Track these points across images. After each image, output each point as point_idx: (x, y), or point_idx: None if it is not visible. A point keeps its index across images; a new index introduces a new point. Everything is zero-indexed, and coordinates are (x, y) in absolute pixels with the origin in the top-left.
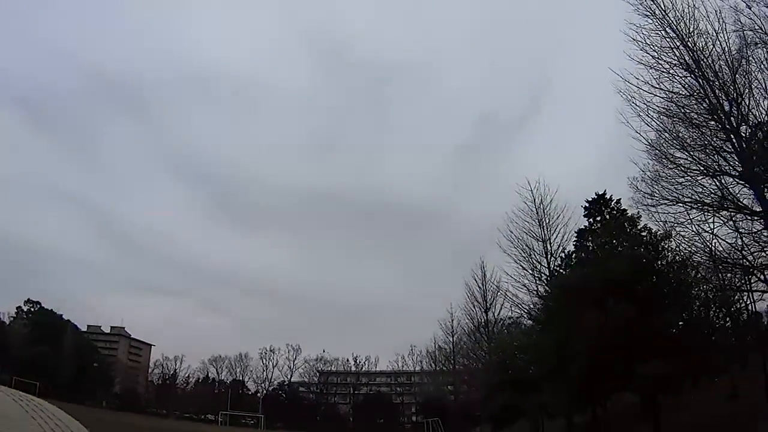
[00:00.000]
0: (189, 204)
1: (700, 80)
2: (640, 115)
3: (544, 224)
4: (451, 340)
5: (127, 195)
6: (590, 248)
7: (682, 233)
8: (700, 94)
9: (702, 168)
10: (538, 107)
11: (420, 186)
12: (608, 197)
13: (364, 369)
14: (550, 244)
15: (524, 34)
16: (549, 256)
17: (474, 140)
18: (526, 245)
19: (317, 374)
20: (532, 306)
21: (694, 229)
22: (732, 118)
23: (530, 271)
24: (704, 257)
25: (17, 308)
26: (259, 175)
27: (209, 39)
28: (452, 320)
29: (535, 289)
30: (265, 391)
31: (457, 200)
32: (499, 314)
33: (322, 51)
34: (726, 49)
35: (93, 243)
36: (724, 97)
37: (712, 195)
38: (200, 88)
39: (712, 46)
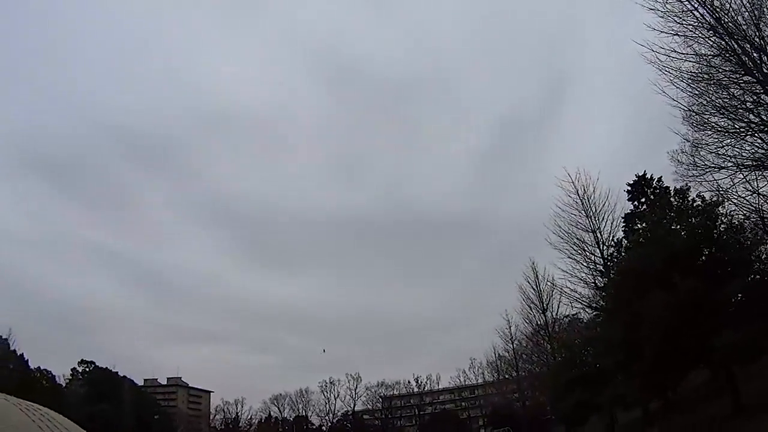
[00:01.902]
0: (226, 247)
1: (724, 38)
2: (673, 83)
3: (591, 214)
4: (511, 346)
5: (165, 246)
6: (641, 230)
7: (732, 198)
8: (727, 51)
9: (742, 126)
10: (559, 98)
11: (452, 198)
12: (649, 177)
13: (426, 388)
14: (600, 233)
15: (532, 27)
16: (601, 245)
17: (499, 143)
18: (577, 238)
19: (380, 400)
20: (591, 298)
21: (743, 192)
22: (764, 67)
23: (584, 264)
24: (756, 218)
25: (72, 369)
26: (289, 208)
27: (223, 81)
28: (509, 326)
29: (593, 281)
30: (329, 424)
31: (492, 206)
32: (557, 313)
33: (334, 76)
34: (743, 1)
35: (138, 297)
36: (751, 49)
37: (755, 154)
38: (222, 130)
39: (729, 4)
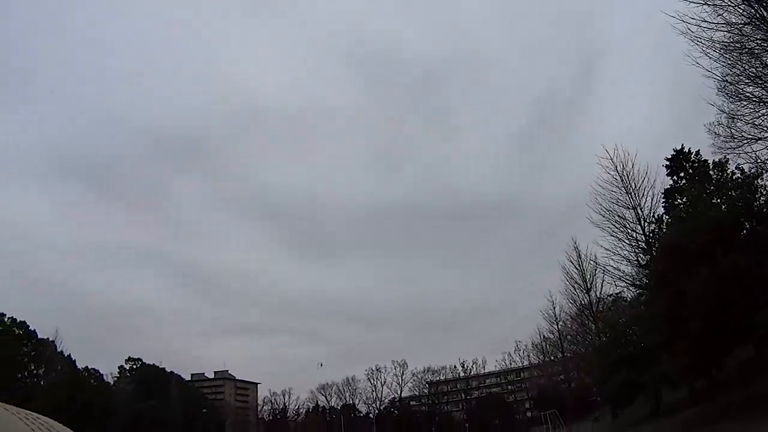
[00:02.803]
0: (268, 240)
1: (753, 5)
2: (706, 53)
3: (631, 190)
4: (556, 328)
5: (207, 242)
6: (681, 205)
7: None
8: (757, 18)
9: None
10: (592, 75)
11: (491, 181)
12: (687, 151)
13: (472, 373)
14: (641, 209)
15: (561, 3)
16: (642, 222)
17: (534, 124)
18: (618, 215)
19: (426, 386)
20: (635, 276)
21: None
22: None
23: (626, 241)
24: None
25: (119, 368)
26: (329, 199)
27: (254, 76)
28: (554, 307)
29: (635, 258)
30: (376, 411)
31: (531, 187)
32: (601, 292)
33: (364, 66)
34: None
35: (182, 294)
36: None
37: None
38: (255, 125)
39: None
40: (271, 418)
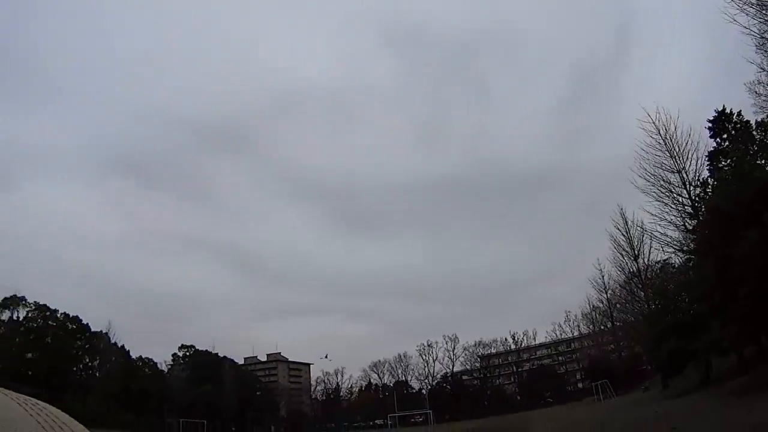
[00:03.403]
0: (315, 220)
1: None
2: (742, 10)
3: (675, 154)
4: (605, 296)
5: (254, 226)
6: (726, 167)
7: None
8: None
9: None
10: (629, 38)
11: (534, 151)
12: (728, 111)
13: (523, 345)
14: (686, 173)
15: None
16: (688, 186)
17: (575, 91)
18: (663, 180)
19: (478, 359)
20: (682, 241)
21: None
22: None
23: (673, 206)
24: None
25: (173, 355)
26: (374, 176)
27: (291, 59)
28: (602, 276)
29: (682, 223)
30: (429, 387)
31: (575, 155)
32: (649, 259)
33: (401, 41)
34: None
35: (232, 280)
36: None
37: None
38: (295, 108)
39: None
40: (324, 397)
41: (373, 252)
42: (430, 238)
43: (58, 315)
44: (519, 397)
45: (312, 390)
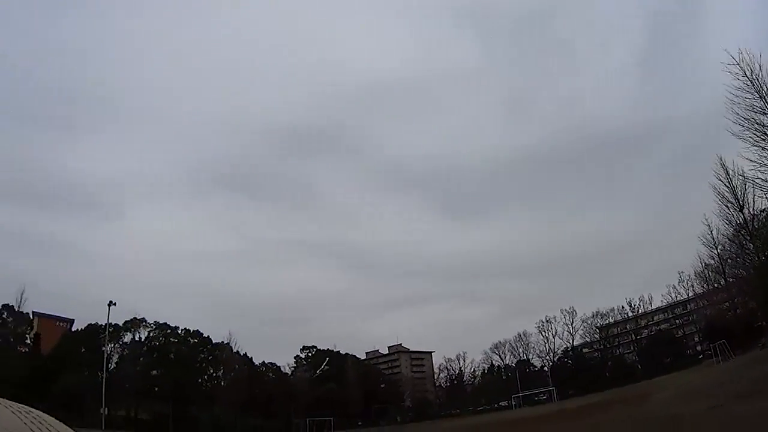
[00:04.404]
0: (416, 211)
1: None
2: None
3: (764, 94)
4: (715, 252)
5: (357, 223)
6: None
7: None
8: None
9: None
10: None
11: (620, 110)
12: None
13: (640, 311)
14: None
15: None
16: None
17: (654, 40)
18: (757, 123)
19: (597, 330)
20: None
21: None
22: None
23: None
24: None
25: (295, 357)
26: (468, 159)
27: (369, 53)
28: (711, 231)
29: None
30: (550, 363)
31: (662, 110)
32: (754, 208)
33: (474, 17)
34: None
35: (347, 277)
36: None
37: None
38: (384, 100)
39: None
40: (448, 384)
41: (480, 234)
42: (534, 210)
43: (179, 331)
44: (639, 366)
45: (435, 377)
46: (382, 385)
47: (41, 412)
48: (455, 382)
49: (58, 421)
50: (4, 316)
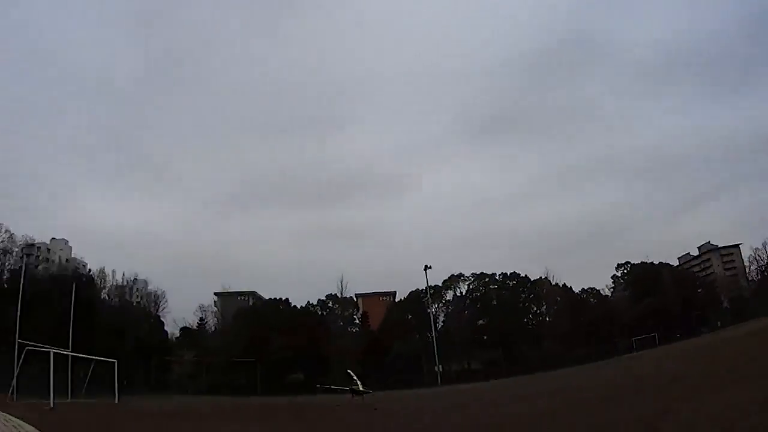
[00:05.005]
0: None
1: None
2: None
3: None
4: None
5: (631, 129)
6: None
7: None
8: None
9: None
10: None
11: None
12: None
13: None
14: None
15: None
16: None
17: None
18: None
19: None
20: None
21: None
22: None
23: None
24: None
25: (612, 277)
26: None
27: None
28: None
29: None
30: None
31: None
32: None
33: None
34: None
35: (648, 188)
36: None
37: None
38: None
39: None
40: (759, 277)
41: None
42: None
43: (497, 277)
44: None
45: (746, 271)
46: (699, 290)
47: (21, 421)
48: (766, 273)
49: (33, 427)
50: (330, 304)
